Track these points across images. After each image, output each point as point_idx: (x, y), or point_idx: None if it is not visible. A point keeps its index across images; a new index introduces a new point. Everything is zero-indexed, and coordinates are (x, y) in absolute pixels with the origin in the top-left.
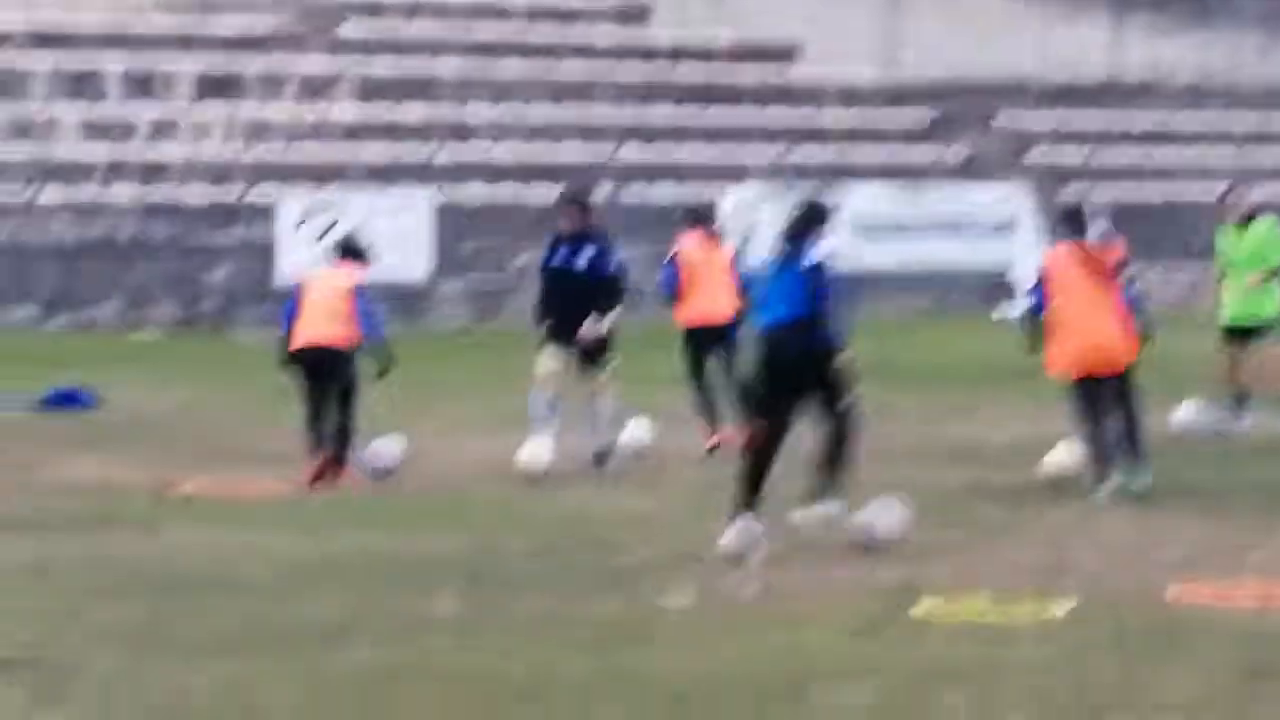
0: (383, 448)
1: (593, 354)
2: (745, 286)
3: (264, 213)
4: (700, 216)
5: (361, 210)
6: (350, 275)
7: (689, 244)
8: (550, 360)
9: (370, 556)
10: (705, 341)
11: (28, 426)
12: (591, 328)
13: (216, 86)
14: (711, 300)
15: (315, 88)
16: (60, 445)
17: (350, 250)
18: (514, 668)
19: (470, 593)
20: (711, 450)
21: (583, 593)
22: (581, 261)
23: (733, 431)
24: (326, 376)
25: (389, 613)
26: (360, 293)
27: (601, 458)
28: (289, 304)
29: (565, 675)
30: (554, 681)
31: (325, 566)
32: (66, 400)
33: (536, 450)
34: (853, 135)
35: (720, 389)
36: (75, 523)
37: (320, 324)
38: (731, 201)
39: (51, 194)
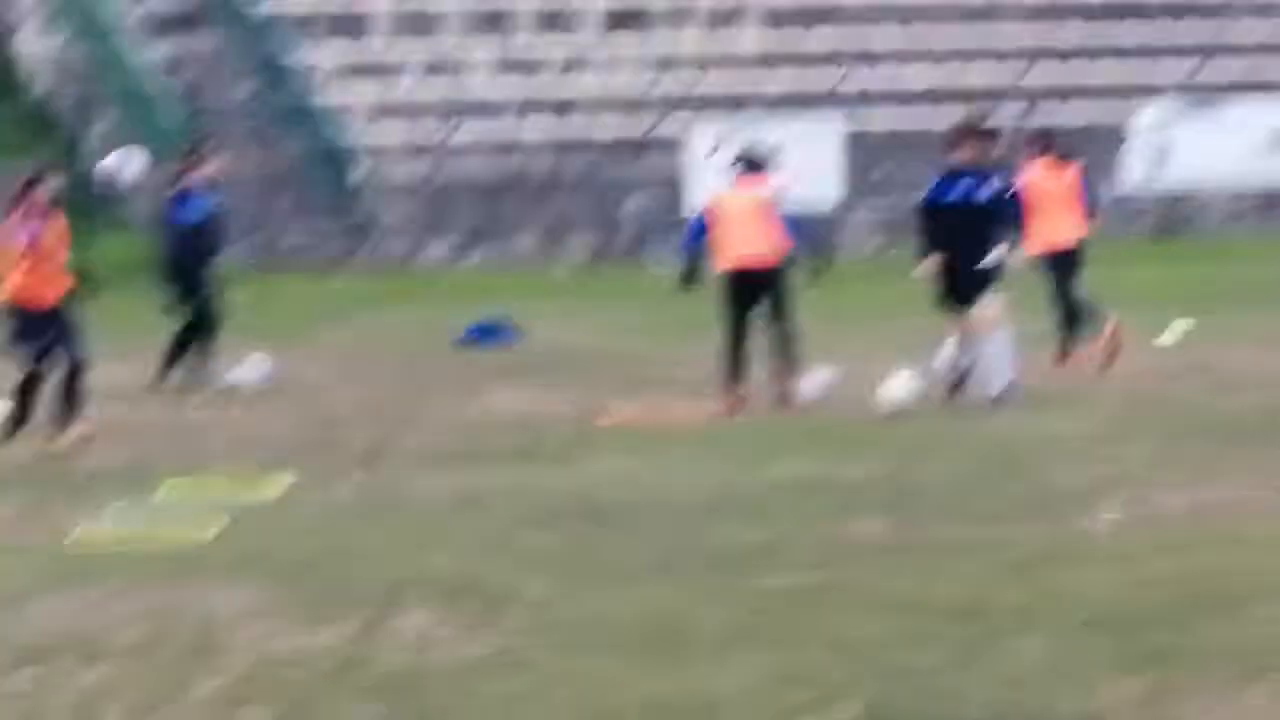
0: (814, 375)
1: (975, 288)
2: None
3: (673, 144)
4: (1048, 142)
5: (770, 139)
6: (763, 186)
7: (1035, 171)
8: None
9: (792, 482)
10: (1060, 266)
11: (453, 361)
12: (999, 258)
13: (625, 20)
14: (1055, 226)
15: (722, 17)
16: (484, 379)
17: (753, 162)
18: (941, 591)
19: (893, 518)
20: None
21: (1007, 516)
22: (984, 194)
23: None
24: (760, 294)
25: (813, 537)
26: (777, 201)
27: (958, 386)
28: (695, 225)
29: (995, 598)
30: (985, 604)
31: (748, 492)
32: (489, 334)
33: (900, 385)
34: (1265, 48)
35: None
36: (502, 455)
37: (747, 242)
38: (1143, 120)
39: (466, 131)
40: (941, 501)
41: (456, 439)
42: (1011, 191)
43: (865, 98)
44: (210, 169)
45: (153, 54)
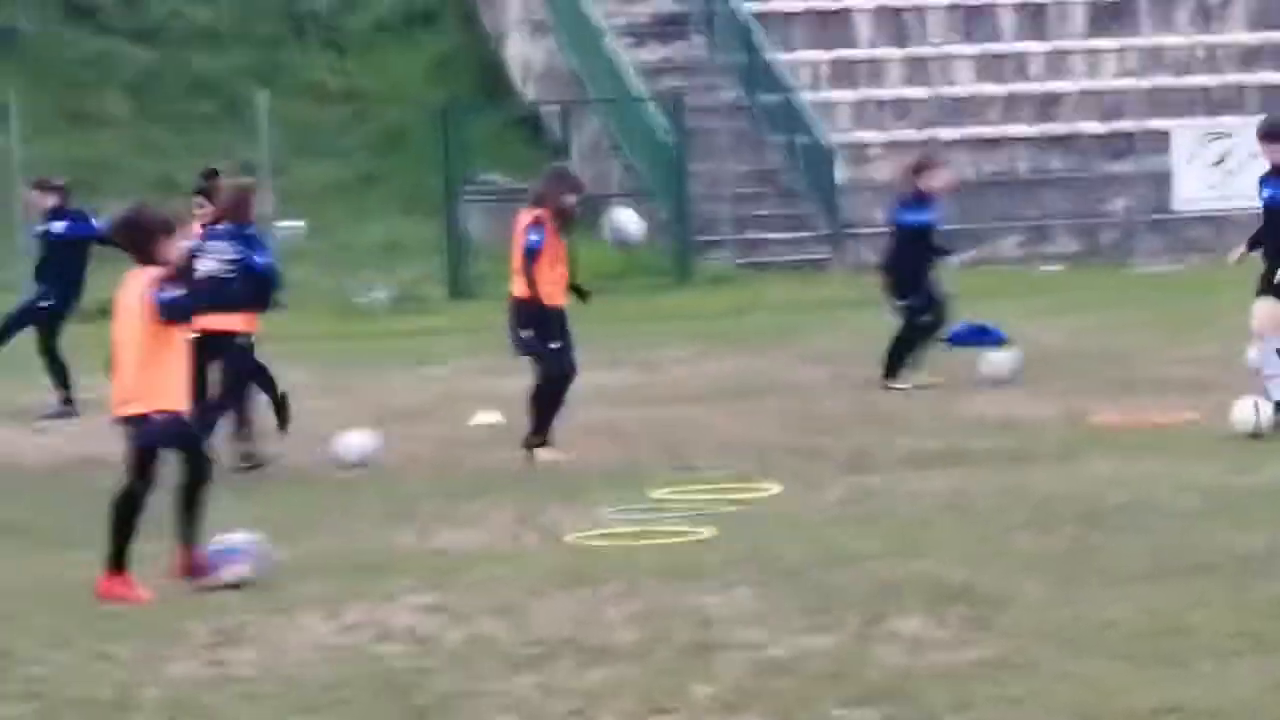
0: None
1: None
2: None
3: (1158, 142)
4: None
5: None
6: None
7: None
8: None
9: None
10: None
11: (940, 362)
12: None
13: (1109, 18)
14: None
15: (1208, 14)
16: (971, 380)
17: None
18: None
19: None
20: None
21: None
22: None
23: None
24: None
25: None
26: None
27: None
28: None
29: None
30: None
31: (1239, 497)
32: (977, 335)
33: (1248, 409)
34: None
35: None
36: (990, 456)
37: None
38: None
39: (949, 130)
40: None
41: (945, 441)
42: None
43: None
44: (938, 178)
45: (639, 58)
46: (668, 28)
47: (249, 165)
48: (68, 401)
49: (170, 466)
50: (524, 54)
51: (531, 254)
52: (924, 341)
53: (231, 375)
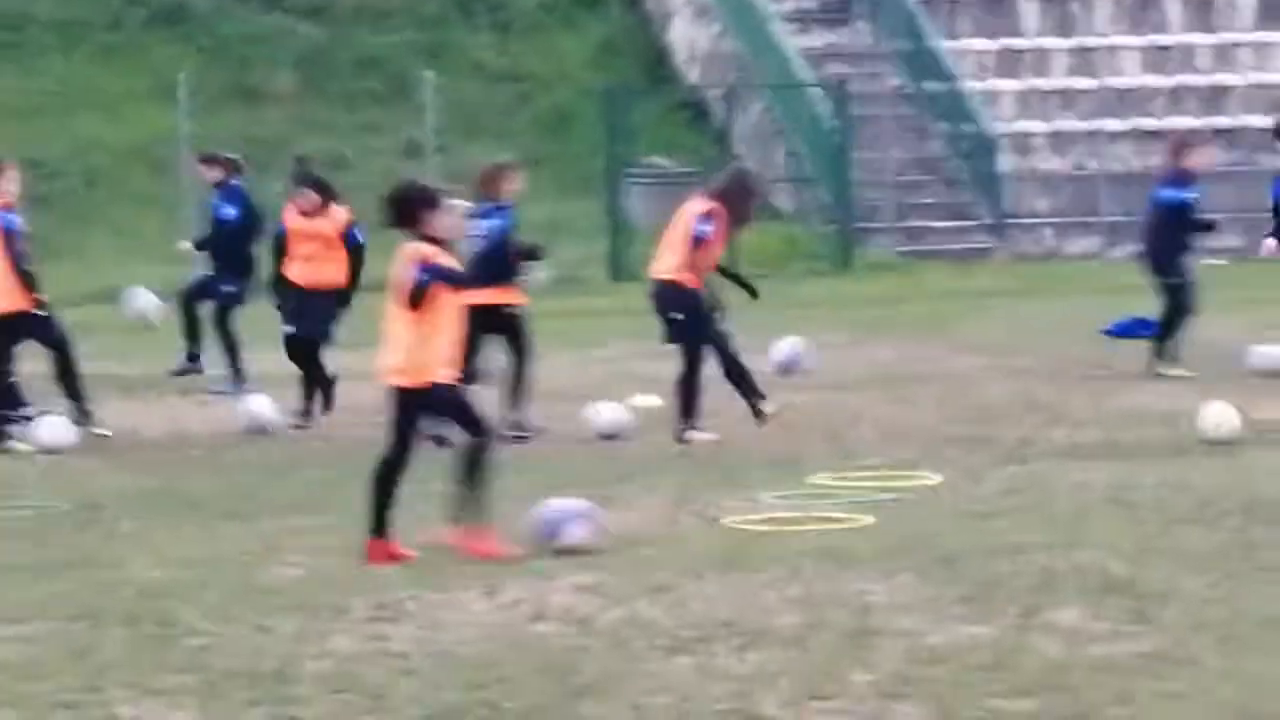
0: None
1: None
2: None
3: None
4: None
5: None
6: None
7: None
8: None
9: None
10: None
11: (1093, 356)
12: None
13: (1278, 10)
14: None
15: None
16: (1129, 373)
17: None
18: None
19: None
20: None
21: None
22: None
23: None
24: None
25: None
26: None
27: None
28: None
29: None
30: None
31: None
32: (1135, 329)
33: None
34: None
35: None
36: (1152, 449)
37: None
38: None
39: (1115, 122)
40: None
41: (1106, 433)
42: None
43: None
44: (1201, 157)
45: (803, 44)
46: (833, 14)
47: (414, 144)
48: (236, 375)
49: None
50: (688, 38)
51: (699, 243)
52: (1182, 324)
53: (517, 346)
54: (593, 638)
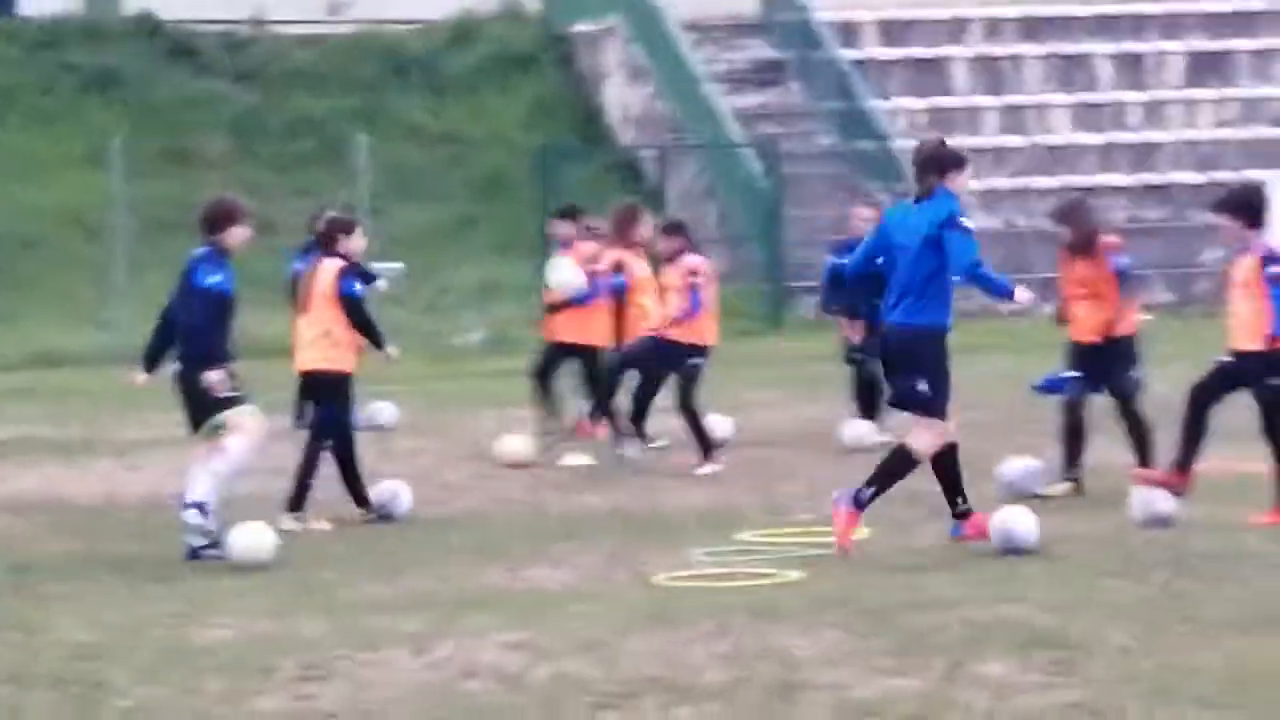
0: None
1: None
2: None
3: None
4: None
5: None
6: None
7: None
8: None
9: None
10: None
11: (1023, 412)
12: None
13: (1206, 68)
14: None
15: None
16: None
17: None
18: None
19: None
20: None
21: None
22: None
23: None
24: None
25: None
26: None
27: None
28: None
29: None
30: None
31: None
32: (1059, 385)
33: None
34: None
35: None
36: (1080, 502)
37: None
38: None
39: (1045, 179)
40: None
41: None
42: None
43: None
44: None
45: (736, 104)
46: (765, 74)
47: (348, 206)
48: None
49: None
50: (622, 99)
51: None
52: None
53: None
54: (522, 694)
